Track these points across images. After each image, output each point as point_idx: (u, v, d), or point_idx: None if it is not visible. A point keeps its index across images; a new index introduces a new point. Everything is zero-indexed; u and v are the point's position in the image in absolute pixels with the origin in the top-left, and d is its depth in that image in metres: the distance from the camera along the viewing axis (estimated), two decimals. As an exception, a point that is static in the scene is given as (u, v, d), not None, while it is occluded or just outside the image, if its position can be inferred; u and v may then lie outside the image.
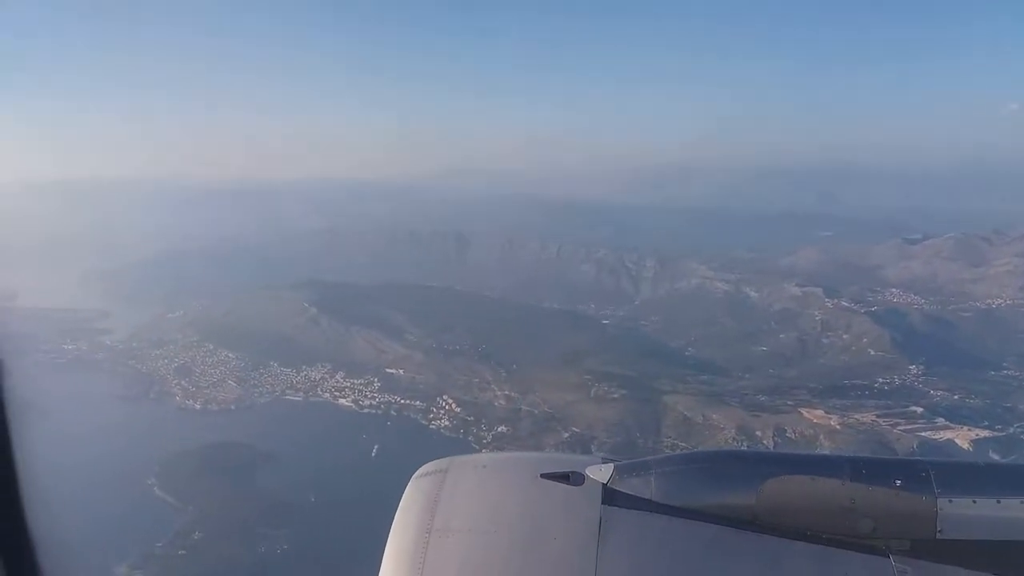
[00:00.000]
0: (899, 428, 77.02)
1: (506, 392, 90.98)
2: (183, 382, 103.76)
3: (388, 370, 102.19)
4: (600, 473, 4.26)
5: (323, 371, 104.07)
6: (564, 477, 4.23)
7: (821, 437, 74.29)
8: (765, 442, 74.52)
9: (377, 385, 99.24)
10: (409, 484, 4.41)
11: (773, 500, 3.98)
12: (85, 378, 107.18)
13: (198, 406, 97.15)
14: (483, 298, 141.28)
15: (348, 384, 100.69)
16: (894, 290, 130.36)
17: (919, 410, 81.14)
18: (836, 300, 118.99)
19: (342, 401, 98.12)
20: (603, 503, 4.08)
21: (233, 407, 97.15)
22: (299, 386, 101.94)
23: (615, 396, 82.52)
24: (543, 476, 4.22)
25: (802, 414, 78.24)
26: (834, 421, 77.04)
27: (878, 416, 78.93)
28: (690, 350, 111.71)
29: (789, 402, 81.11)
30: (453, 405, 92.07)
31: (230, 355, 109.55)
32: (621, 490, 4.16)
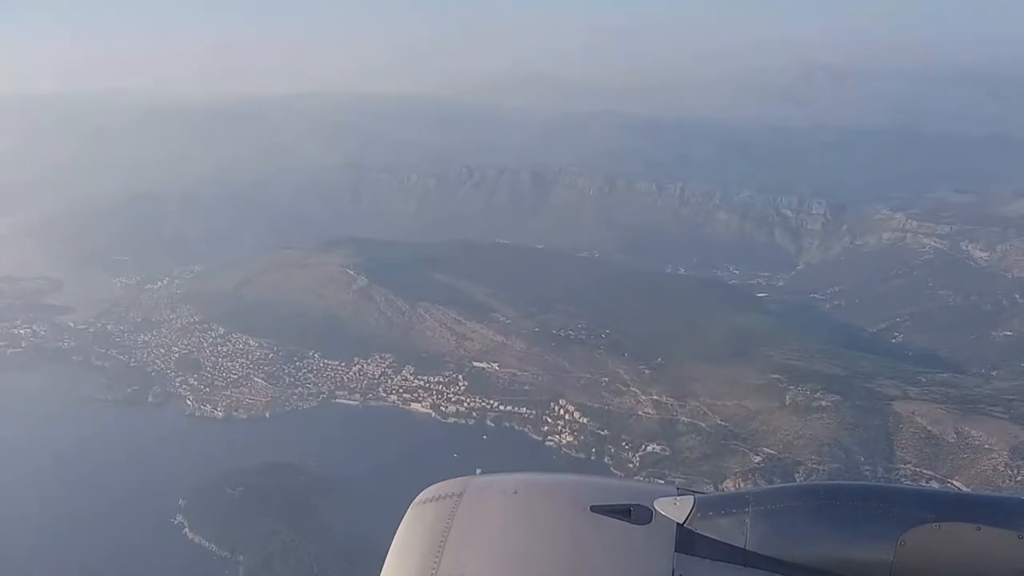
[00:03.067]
0: None
1: (653, 396, 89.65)
2: (191, 380, 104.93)
3: (476, 364, 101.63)
4: (674, 508, 4.25)
5: (383, 364, 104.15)
6: (624, 512, 4.23)
7: None
8: (1052, 471, 71.89)
9: (463, 385, 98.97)
10: (408, 512, 4.55)
11: (920, 556, 3.88)
12: (55, 373, 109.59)
13: (219, 413, 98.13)
14: (582, 261, 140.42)
15: (421, 383, 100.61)
16: None
17: None
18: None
19: (416, 406, 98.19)
20: (677, 550, 4.05)
21: (267, 414, 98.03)
22: (353, 385, 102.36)
23: (822, 403, 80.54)
24: (594, 509, 4.24)
25: (1100, 431, 75.20)
26: None
27: None
28: (898, 336, 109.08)
29: (1076, 413, 78.08)
30: (576, 413, 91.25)
31: (251, 342, 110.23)
32: (703, 533, 4.13)
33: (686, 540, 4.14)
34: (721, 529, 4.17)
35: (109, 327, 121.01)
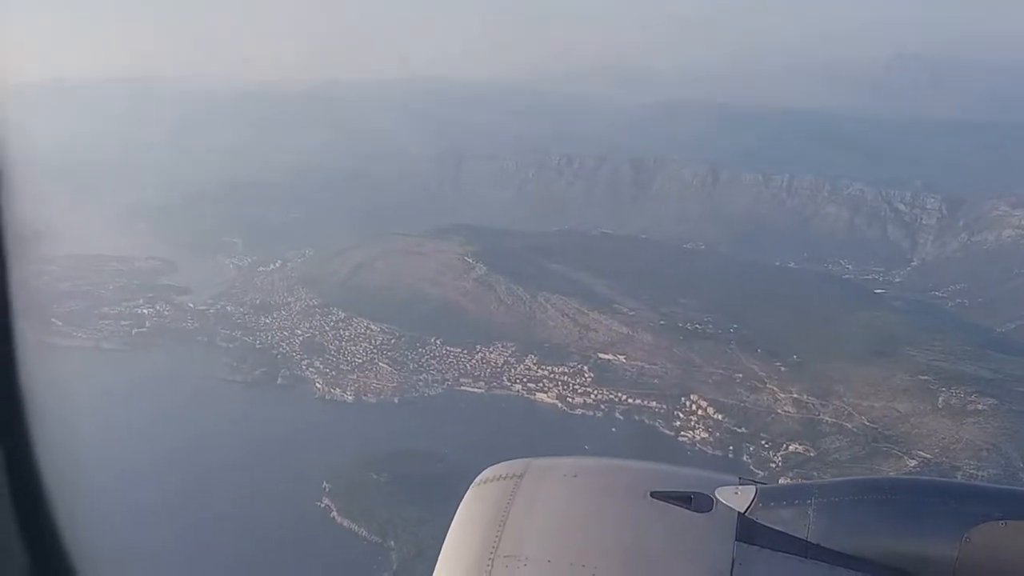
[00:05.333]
0: None
1: (793, 394, 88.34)
2: (317, 363, 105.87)
3: (602, 355, 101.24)
4: (736, 498, 4.23)
5: (506, 353, 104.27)
6: (685, 499, 4.22)
7: None
8: None
9: (589, 376, 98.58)
10: (469, 492, 4.62)
11: (985, 553, 3.81)
12: (182, 354, 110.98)
13: (349, 397, 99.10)
14: (689, 253, 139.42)
15: (545, 373, 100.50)
16: None
17: None
18: None
19: (541, 396, 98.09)
20: (738, 539, 4.04)
21: (396, 400, 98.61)
22: (476, 373, 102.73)
23: (979, 407, 78.51)
24: (654, 495, 4.22)
25: None
26: None
27: None
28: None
29: None
30: (709, 409, 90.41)
31: (372, 327, 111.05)
32: (764, 523, 4.10)
33: (747, 529, 4.13)
34: (783, 520, 4.16)
35: (229, 308, 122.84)
